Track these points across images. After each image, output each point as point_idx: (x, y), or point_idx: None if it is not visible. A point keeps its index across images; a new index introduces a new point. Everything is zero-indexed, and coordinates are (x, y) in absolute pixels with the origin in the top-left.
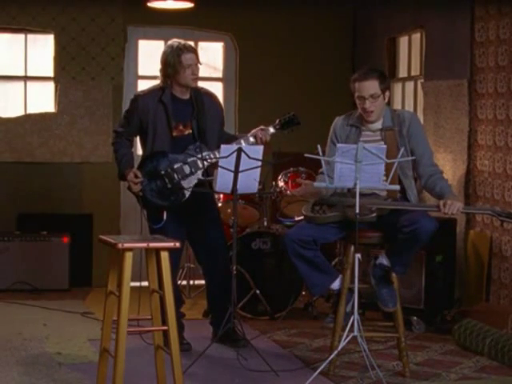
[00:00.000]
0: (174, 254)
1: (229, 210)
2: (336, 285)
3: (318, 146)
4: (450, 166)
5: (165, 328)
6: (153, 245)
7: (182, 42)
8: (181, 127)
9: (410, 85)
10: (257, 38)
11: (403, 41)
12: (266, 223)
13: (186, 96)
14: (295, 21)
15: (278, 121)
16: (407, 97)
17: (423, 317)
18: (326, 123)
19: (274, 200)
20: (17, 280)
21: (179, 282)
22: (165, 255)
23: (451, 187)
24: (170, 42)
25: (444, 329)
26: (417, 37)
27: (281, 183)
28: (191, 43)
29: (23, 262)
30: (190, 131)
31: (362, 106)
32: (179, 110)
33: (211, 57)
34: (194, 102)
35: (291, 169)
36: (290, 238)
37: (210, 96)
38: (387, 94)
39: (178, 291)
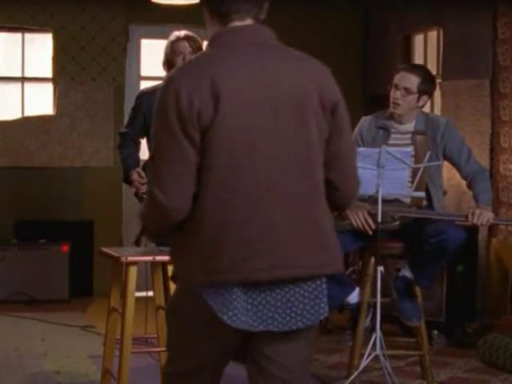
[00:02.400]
0: None
1: None
2: (353, 298)
3: None
4: None
5: None
6: (159, 258)
7: (183, 32)
8: None
9: None
10: None
11: (419, 39)
12: None
13: None
14: (304, 18)
15: None
16: None
17: (444, 330)
18: None
19: None
20: (14, 291)
21: None
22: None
23: (489, 192)
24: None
25: (466, 343)
26: (433, 35)
27: None
28: None
29: (21, 272)
30: None
31: (393, 95)
32: None
33: None
34: None
35: None
36: None
37: None
38: (424, 98)
39: None
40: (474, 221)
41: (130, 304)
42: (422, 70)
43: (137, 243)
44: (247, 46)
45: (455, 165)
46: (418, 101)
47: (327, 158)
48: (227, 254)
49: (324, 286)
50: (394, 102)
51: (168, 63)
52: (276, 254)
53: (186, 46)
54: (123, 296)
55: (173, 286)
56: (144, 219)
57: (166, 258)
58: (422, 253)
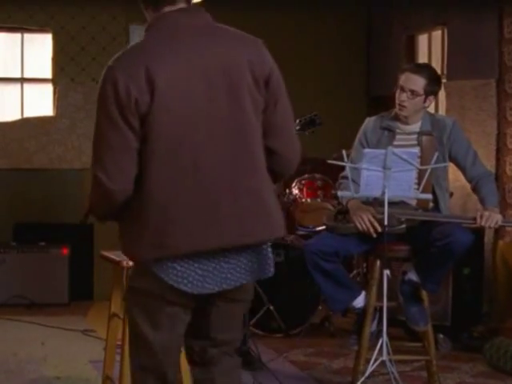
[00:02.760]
0: None
1: None
2: (358, 302)
3: (343, 152)
4: None
5: None
6: None
7: None
8: None
9: None
10: (267, 38)
11: (422, 39)
12: None
13: None
14: (307, 20)
15: (298, 121)
16: None
17: (450, 334)
18: (339, 126)
19: (287, 208)
20: (13, 294)
21: None
22: None
23: (496, 194)
24: None
25: (471, 346)
26: (437, 34)
27: (295, 191)
28: None
29: (20, 275)
30: None
31: (399, 97)
32: None
33: None
34: None
35: (306, 175)
36: (310, 250)
37: None
38: (431, 98)
39: None
40: (483, 223)
41: None
42: (427, 71)
43: (83, 223)
44: (180, 30)
45: (460, 167)
46: (424, 102)
47: (266, 127)
48: (174, 230)
49: (268, 249)
50: (400, 105)
51: None
52: (221, 225)
53: None
54: (124, 301)
55: None
56: (91, 201)
57: None
58: (428, 256)
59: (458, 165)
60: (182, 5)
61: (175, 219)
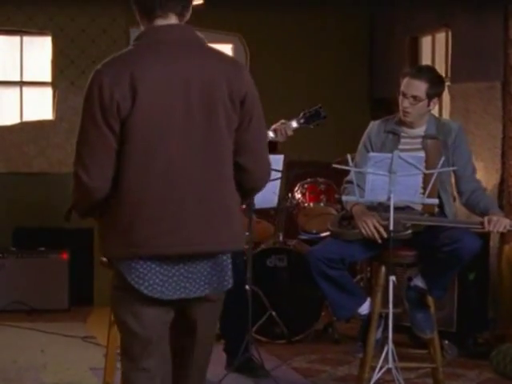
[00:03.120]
0: None
1: None
2: (363, 309)
3: (348, 156)
4: (481, 176)
5: None
6: None
7: None
8: None
9: None
10: (268, 40)
11: (426, 41)
12: (281, 238)
13: None
14: (308, 21)
15: (302, 114)
16: None
17: (455, 340)
18: (340, 128)
19: (290, 213)
20: (13, 300)
21: None
22: None
23: (496, 204)
24: None
25: (477, 353)
26: (441, 36)
27: (298, 195)
28: None
29: (19, 281)
30: None
31: (402, 103)
32: None
33: None
34: None
35: (309, 179)
36: (316, 256)
37: None
38: (434, 101)
39: None
40: (491, 228)
41: None
42: (428, 74)
43: (66, 219)
44: (167, 43)
45: (457, 175)
46: (428, 105)
47: (239, 144)
48: (141, 230)
49: (229, 260)
50: (403, 111)
51: None
52: (185, 231)
53: None
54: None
55: None
56: (73, 197)
57: None
58: (435, 261)
59: (455, 173)
60: (173, 20)
61: (142, 220)
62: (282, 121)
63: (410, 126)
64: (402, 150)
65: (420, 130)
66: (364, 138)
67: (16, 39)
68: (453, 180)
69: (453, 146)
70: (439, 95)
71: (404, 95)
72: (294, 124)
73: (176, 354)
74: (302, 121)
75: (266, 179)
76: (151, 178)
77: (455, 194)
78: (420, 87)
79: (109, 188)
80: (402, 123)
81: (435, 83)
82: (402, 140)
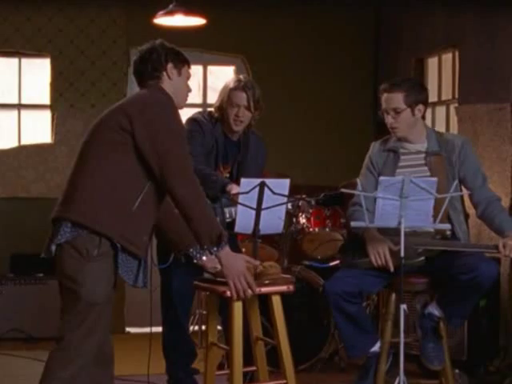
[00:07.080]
0: (187, 298)
1: (243, 250)
2: (375, 348)
3: (358, 180)
4: None
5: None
6: (265, 290)
7: (245, 78)
8: (221, 169)
9: (441, 110)
10: (271, 61)
11: (432, 62)
12: (286, 264)
13: (235, 137)
14: (312, 41)
15: (322, 195)
16: (438, 123)
17: (466, 369)
18: (345, 150)
19: (294, 238)
20: (10, 327)
21: (190, 328)
22: (277, 299)
23: (510, 220)
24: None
25: (489, 381)
26: (448, 57)
27: (302, 220)
28: (199, 67)
29: (17, 308)
30: (228, 175)
31: (387, 121)
32: (226, 150)
33: (222, 82)
34: (241, 144)
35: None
36: (334, 291)
37: (258, 138)
38: (419, 108)
39: (191, 343)
40: (506, 253)
41: (238, 340)
42: (402, 83)
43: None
44: None
45: (468, 188)
46: (413, 114)
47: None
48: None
49: (66, 228)
50: (391, 128)
51: (220, 110)
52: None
53: (243, 99)
54: (229, 332)
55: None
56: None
57: (271, 289)
58: (452, 290)
59: (466, 186)
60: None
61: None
62: (304, 195)
63: (408, 140)
64: (404, 167)
65: (421, 146)
66: (366, 160)
67: (14, 61)
68: (465, 196)
69: (458, 162)
70: (423, 102)
71: (386, 112)
72: (313, 203)
73: None
74: (320, 201)
75: None
76: None
77: (468, 210)
78: (397, 98)
79: None
80: (400, 140)
81: (412, 90)
82: (402, 157)
